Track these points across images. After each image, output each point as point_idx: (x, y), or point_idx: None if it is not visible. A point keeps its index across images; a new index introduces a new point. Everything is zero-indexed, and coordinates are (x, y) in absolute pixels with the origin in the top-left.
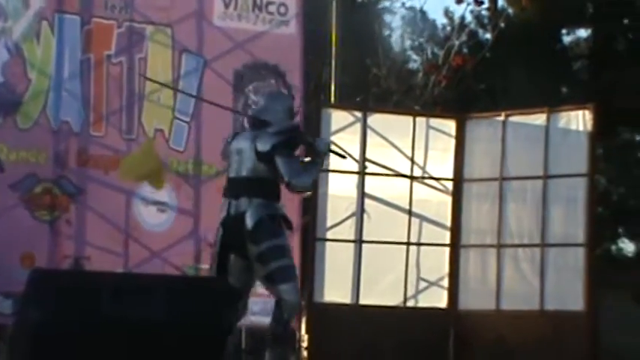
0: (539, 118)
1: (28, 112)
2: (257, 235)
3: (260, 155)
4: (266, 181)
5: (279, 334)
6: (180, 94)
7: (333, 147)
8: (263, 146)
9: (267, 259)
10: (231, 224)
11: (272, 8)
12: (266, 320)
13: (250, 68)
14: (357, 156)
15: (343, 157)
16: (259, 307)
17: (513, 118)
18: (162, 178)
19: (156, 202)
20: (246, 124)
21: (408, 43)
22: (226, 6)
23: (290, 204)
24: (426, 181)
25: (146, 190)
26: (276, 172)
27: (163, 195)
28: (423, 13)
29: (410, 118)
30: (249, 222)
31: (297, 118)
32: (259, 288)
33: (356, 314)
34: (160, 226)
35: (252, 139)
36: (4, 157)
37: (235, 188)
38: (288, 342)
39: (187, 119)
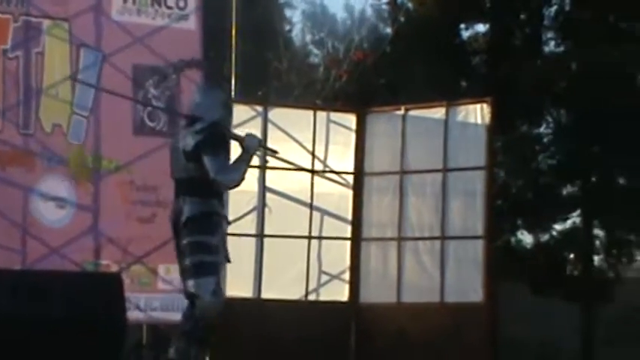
0: (438, 112)
1: None
2: (184, 231)
3: (187, 155)
4: (197, 180)
5: (187, 330)
6: (78, 87)
7: (262, 143)
8: (187, 145)
9: (184, 254)
10: (174, 222)
11: (171, 2)
12: (166, 316)
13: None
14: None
15: (275, 152)
16: (159, 303)
17: (413, 112)
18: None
19: (54, 198)
20: (147, 120)
21: (308, 37)
22: (125, 0)
23: None
24: (327, 174)
25: (45, 185)
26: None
27: (62, 190)
28: (323, 7)
29: (311, 113)
30: (182, 219)
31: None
32: (160, 283)
33: (258, 308)
34: (59, 222)
35: (182, 138)
36: None
37: (176, 188)
38: (196, 340)
39: (86, 114)
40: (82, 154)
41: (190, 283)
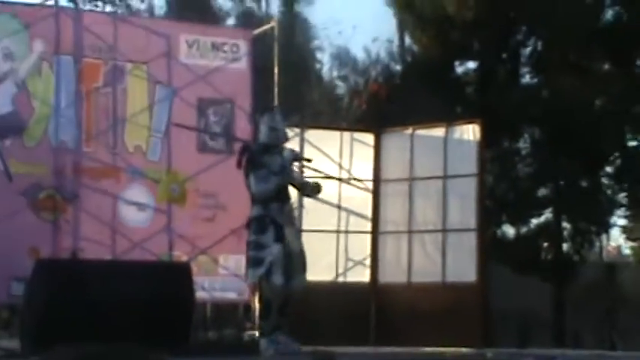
0: (439, 131)
1: (33, 134)
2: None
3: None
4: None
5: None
6: (154, 115)
7: (300, 155)
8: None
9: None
10: None
11: (227, 48)
12: (224, 295)
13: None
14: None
15: (309, 160)
16: (219, 285)
17: (419, 131)
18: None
19: (137, 204)
20: (209, 141)
21: (335, 73)
22: (190, 47)
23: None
24: (352, 182)
25: (129, 194)
26: None
27: (142, 197)
28: (346, 49)
29: (338, 133)
30: None
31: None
32: (220, 269)
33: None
34: (141, 222)
35: None
36: (13, 169)
37: None
38: (269, 314)
39: (160, 136)
40: (158, 169)
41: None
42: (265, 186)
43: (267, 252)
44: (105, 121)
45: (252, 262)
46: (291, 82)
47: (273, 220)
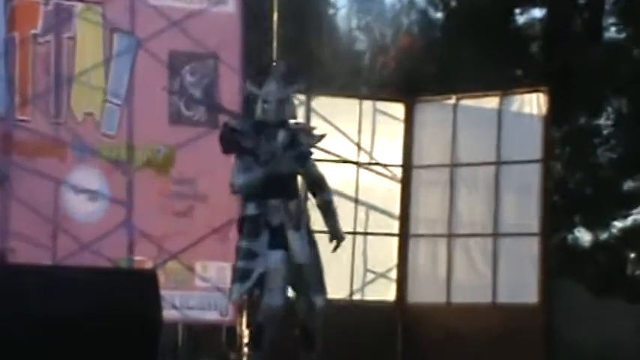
0: (491, 102)
1: None
2: None
3: None
4: None
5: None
6: (111, 74)
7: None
8: None
9: None
10: None
11: None
12: (203, 315)
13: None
14: None
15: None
16: (196, 301)
17: (465, 102)
18: None
19: (86, 191)
20: (184, 109)
21: (354, 21)
22: None
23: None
24: (373, 167)
25: (76, 177)
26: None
27: (94, 183)
28: None
29: (356, 102)
30: None
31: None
32: (196, 281)
33: None
34: (91, 216)
35: None
36: None
37: None
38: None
39: (119, 102)
40: (115, 145)
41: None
42: (244, 177)
43: (258, 262)
44: (45, 79)
45: (240, 275)
46: (294, 33)
47: (269, 222)
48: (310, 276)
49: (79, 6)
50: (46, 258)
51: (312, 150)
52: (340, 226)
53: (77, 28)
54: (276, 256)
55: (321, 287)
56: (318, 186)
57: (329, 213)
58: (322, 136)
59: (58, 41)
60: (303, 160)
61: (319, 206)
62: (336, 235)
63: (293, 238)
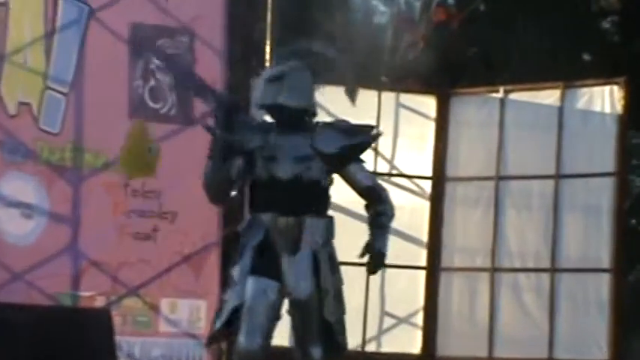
0: (550, 96)
1: None
2: None
3: None
4: None
5: None
6: (55, 53)
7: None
8: None
9: None
10: None
11: None
12: None
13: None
14: None
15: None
16: (161, 351)
17: (515, 95)
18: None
19: (19, 204)
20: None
21: None
22: None
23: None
24: (395, 179)
25: (6, 187)
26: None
27: (29, 194)
28: None
29: (374, 93)
30: None
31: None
32: (162, 324)
33: None
34: (26, 237)
35: None
36: None
37: None
38: None
39: (65, 90)
40: (58, 145)
41: None
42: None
43: (232, 293)
44: None
45: (217, 310)
46: (294, 3)
47: (248, 241)
48: (307, 318)
49: None
50: None
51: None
52: (385, 243)
53: None
54: (255, 286)
55: (319, 336)
56: (367, 198)
57: (375, 229)
58: (376, 135)
59: None
60: (336, 164)
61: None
62: (370, 250)
63: (287, 264)
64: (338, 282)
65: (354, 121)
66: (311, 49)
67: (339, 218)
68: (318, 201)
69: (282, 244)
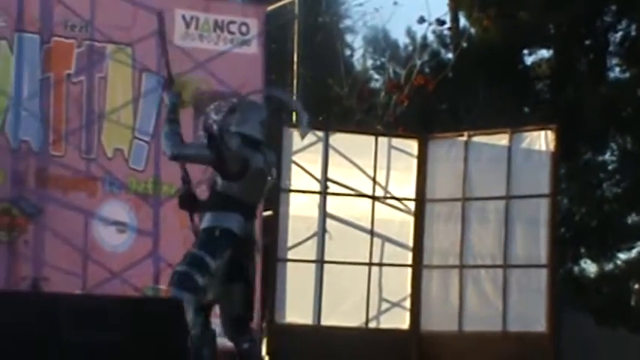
0: (502, 139)
1: None
2: None
3: None
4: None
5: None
6: (140, 112)
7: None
8: None
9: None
10: None
11: (233, 28)
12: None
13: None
14: (319, 176)
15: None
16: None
17: (476, 139)
18: None
19: (115, 223)
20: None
21: (369, 62)
22: (187, 26)
23: None
24: (388, 201)
25: (106, 210)
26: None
27: (123, 215)
28: (384, 32)
29: (372, 138)
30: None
31: None
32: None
33: (317, 335)
34: (120, 246)
35: None
36: None
37: None
38: None
39: (147, 139)
40: (143, 179)
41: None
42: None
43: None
44: (78, 117)
45: (177, 278)
46: (313, 72)
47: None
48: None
49: (111, 47)
50: (76, 287)
51: None
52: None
53: (108, 68)
54: None
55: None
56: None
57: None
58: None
59: (90, 81)
60: None
61: None
62: None
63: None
64: None
65: (357, 159)
66: (272, 94)
67: (344, 229)
68: None
69: None
